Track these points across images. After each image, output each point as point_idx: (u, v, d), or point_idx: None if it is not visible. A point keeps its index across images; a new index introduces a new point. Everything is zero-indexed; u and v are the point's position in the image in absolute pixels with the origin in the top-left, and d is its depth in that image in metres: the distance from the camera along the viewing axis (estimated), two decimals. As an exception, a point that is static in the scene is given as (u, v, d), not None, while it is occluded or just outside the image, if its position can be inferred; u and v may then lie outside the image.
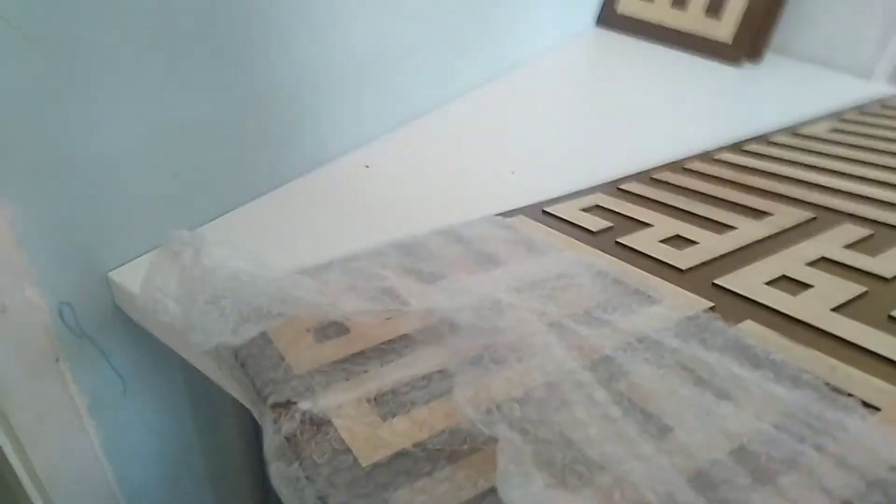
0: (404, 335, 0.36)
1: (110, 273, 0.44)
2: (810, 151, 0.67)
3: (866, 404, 0.34)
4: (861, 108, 0.81)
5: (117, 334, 0.47)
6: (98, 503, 0.51)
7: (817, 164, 0.63)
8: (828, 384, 0.34)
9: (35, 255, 0.39)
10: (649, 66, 0.90)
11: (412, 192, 0.55)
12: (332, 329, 0.36)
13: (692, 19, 0.92)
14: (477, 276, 0.41)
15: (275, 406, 0.31)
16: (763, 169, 0.62)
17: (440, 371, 0.34)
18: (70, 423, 0.46)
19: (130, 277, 0.44)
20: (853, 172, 0.61)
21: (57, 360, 0.43)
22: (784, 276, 0.44)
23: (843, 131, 0.73)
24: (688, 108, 0.78)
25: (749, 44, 0.89)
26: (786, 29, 0.94)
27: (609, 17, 0.98)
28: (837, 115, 0.78)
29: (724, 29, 0.90)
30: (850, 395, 0.34)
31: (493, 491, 0.27)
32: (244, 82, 0.48)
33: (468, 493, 0.27)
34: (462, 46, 0.71)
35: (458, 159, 0.61)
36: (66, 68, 0.37)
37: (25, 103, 0.36)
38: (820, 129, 0.73)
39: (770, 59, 0.93)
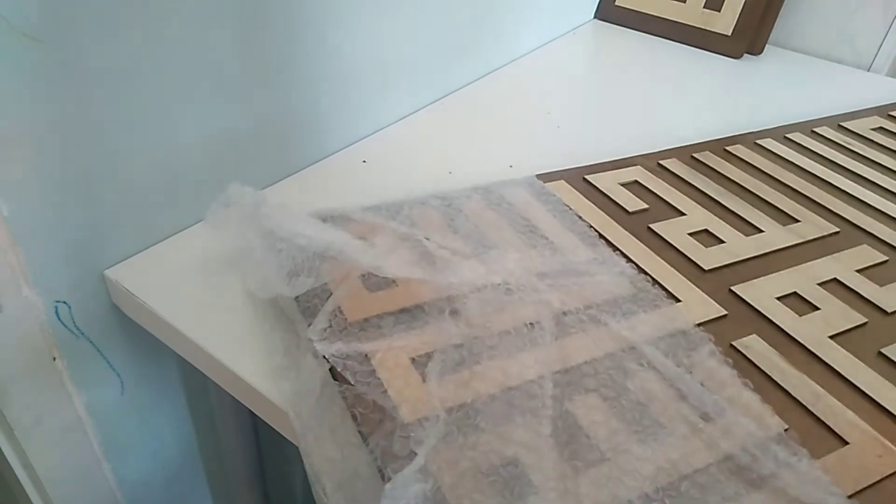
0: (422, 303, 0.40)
1: (106, 271, 0.43)
2: (850, 150, 0.66)
3: (838, 437, 0.36)
4: None
5: (114, 333, 0.46)
6: (97, 502, 0.51)
7: (852, 168, 0.63)
8: (784, 431, 0.35)
9: (31, 254, 0.39)
10: (650, 58, 0.89)
11: (413, 182, 0.55)
12: (383, 281, 0.41)
13: (691, 11, 0.91)
14: (505, 253, 0.44)
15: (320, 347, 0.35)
16: (801, 165, 0.63)
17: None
18: (68, 423, 0.46)
19: (127, 275, 0.43)
20: (885, 185, 0.61)
21: (54, 359, 0.43)
22: (795, 293, 0.46)
23: (888, 131, 0.71)
24: (690, 98, 0.78)
25: (749, 36, 0.88)
26: (785, 21, 0.94)
27: (608, 10, 0.98)
28: (885, 111, 0.76)
29: (723, 21, 0.89)
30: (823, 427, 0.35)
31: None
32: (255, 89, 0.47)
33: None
34: (461, 41, 0.71)
35: (454, 150, 0.61)
36: (74, 72, 0.37)
37: (27, 102, 0.35)
38: (864, 126, 0.72)
39: (770, 52, 0.93)
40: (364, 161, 0.59)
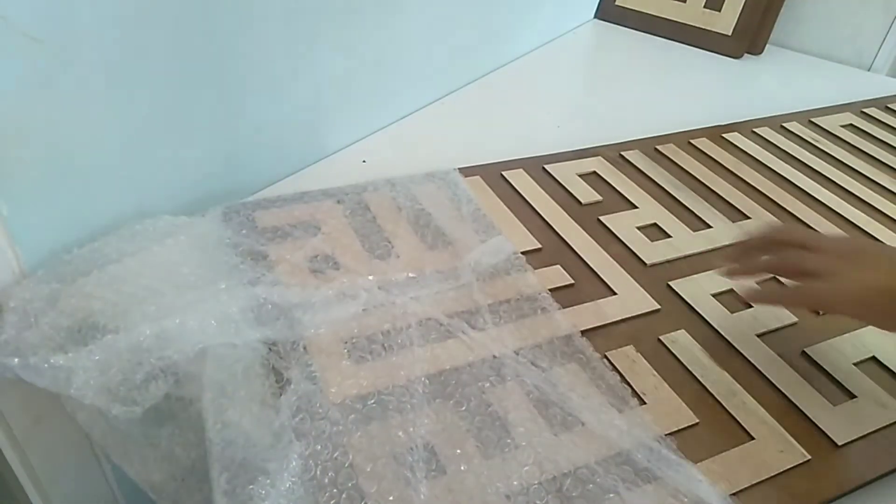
0: None
1: (107, 271, 0.43)
2: (813, 146, 0.66)
3: (746, 432, 0.36)
4: (886, 103, 0.78)
5: (115, 332, 0.46)
6: (97, 502, 0.51)
7: (810, 164, 0.63)
8: (668, 436, 0.35)
9: (30, 254, 0.39)
10: (650, 58, 0.89)
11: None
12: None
13: (692, 11, 0.91)
14: (395, 261, 0.44)
15: None
16: (759, 159, 0.63)
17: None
18: (67, 423, 0.46)
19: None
20: (837, 180, 0.61)
21: (54, 359, 0.43)
22: (731, 291, 0.46)
23: (857, 128, 0.71)
24: (690, 98, 0.78)
25: (749, 36, 0.88)
26: (785, 21, 0.94)
27: (609, 10, 0.98)
28: (858, 108, 0.76)
29: (724, 21, 0.89)
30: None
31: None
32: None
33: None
34: (461, 41, 0.71)
35: (454, 150, 0.61)
36: (78, 74, 0.37)
37: (27, 102, 0.35)
38: (834, 123, 0.72)
39: (770, 51, 0.93)
40: (364, 161, 0.59)
